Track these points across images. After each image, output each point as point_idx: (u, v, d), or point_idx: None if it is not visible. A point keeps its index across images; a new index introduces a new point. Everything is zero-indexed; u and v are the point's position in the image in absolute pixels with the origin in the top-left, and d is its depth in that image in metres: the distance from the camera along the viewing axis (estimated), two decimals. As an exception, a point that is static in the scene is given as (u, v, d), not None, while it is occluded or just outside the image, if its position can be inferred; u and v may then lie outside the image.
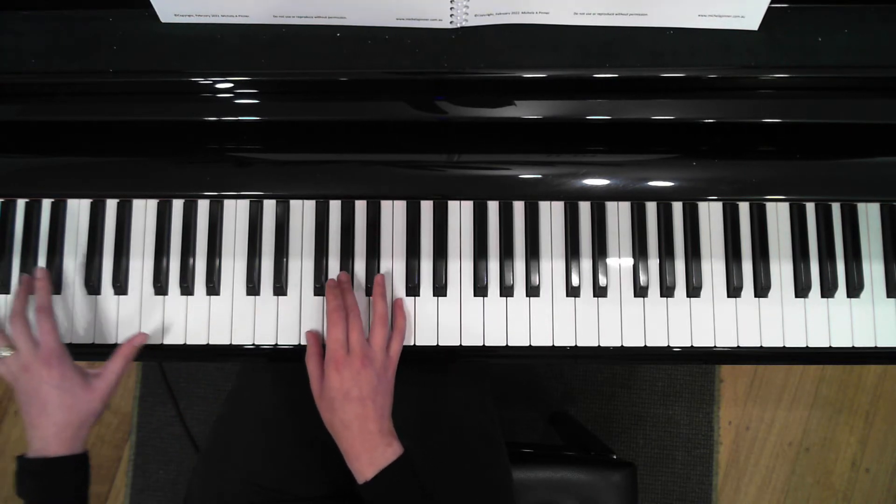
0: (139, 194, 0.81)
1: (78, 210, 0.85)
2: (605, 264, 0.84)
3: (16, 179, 0.72)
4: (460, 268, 0.84)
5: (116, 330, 0.84)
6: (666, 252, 0.84)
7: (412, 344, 0.83)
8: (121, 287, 0.84)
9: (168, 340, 0.84)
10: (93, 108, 0.68)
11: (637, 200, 0.84)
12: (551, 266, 0.84)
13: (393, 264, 0.84)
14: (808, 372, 1.66)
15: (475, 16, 0.63)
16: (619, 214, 0.85)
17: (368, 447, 0.72)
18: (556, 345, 0.83)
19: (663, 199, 0.81)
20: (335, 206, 0.85)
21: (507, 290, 0.83)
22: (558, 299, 0.84)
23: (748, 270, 0.84)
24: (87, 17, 0.66)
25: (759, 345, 0.83)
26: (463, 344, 0.83)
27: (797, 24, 0.65)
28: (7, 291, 0.84)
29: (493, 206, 0.85)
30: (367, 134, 0.71)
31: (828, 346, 0.83)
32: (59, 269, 0.84)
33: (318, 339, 0.81)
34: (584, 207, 0.85)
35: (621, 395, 1.63)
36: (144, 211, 0.85)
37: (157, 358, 1.01)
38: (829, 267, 0.84)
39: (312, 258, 0.84)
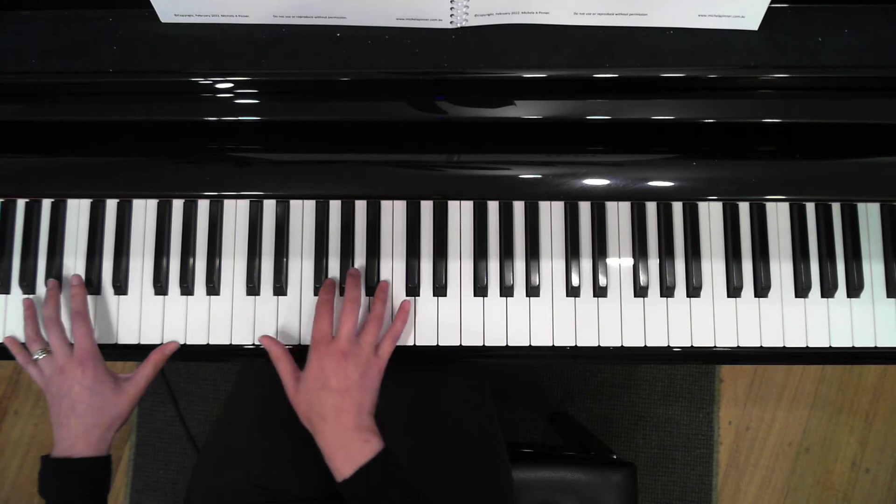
0: (139, 194, 0.81)
1: (78, 210, 0.85)
2: (605, 264, 0.84)
3: (16, 179, 0.72)
4: (460, 268, 0.84)
5: (116, 330, 0.84)
6: (666, 252, 0.84)
7: (412, 344, 0.83)
8: (121, 287, 0.84)
9: (168, 340, 0.84)
10: (93, 108, 0.68)
11: (637, 200, 0.84)
12: (551, 266, 0.84)
13: (393, 264, 0.84)
14: (808, 372, 1.66)
15: (475, 16, 0.63)
16: (619, 214, 0.85)
17: (344, 442, 0.70)
18: (556, 345, 0.83)
19: (663, 199, 0.81)
20: (335, 206, 0.85)
21: (507, 290, 0.83)
22: (558, 299, 0.84)
23: (748, 270, 0.84)
24: (87, 17, 0.66)
25: (759, 345, 0.83)
26: (463, 344, 0.83)
27: (797, 24, 0.65)
28: (7, 291, 0.84)
29: (493, 206, 0.85)
30: (367, 134, 0.71)
31: (828, 346, 0.83)
32: (58, 269, 0.84)
33: (276, 341, 0.80)
34: (584, 207, 0.85)
35: (621, 395, 1.63)
36: (144, 211, 0.85)
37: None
38: (829, 267, 0.84)
39: (312, 258, 0.84)
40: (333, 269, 0.84)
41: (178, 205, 0.85)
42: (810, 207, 0.85)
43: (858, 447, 1.64)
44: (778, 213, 0.85)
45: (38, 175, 0.72)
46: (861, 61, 0.64)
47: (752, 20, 0.64)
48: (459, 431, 0.89)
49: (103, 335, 0.84)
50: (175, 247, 0.85)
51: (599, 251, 0.84)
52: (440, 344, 0.83)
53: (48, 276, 0.84)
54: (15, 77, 0.65)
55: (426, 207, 0.85)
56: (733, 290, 0.84)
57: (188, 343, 0.84)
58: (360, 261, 0.84)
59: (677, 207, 0.85)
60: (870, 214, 0.85)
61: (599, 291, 0.83)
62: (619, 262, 0.84)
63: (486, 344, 0.83)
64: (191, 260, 0.84)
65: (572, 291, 0.84)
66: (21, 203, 0.85)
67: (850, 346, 0.83)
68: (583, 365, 1.62)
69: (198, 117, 0.68)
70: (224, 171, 0.71)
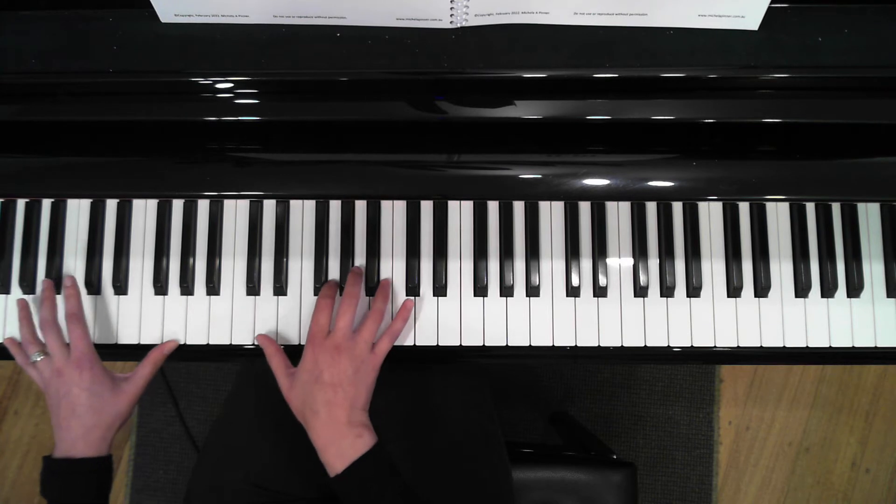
0: (139, 194, 0.81)
1: (78, 210, 0.85)
2: (605, 264, 0.84)
3: (16, 179, 0.72)
4: (460, 268, 0.84)
5: (116, 330, 0.84)
6: (666, 252, 0.84)
7: (412, 344, 0.83)
8: (121, 287, 0.84)
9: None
10: (93, 108, 0.68)
11: (637, 200, 0.84)
12: (551, 266, 0.84)
13: (393, 264, 0.84)
14: (808, 372, 1.66)
15: (475, 16, 0.63)
16: (619, 214, 0.85)
17: (336, 437, 0.70)
18: (556, 345, 0.83)
19: (663, 199, 0.81)
20: (335, 206, 0.85)
21: (507, 290, 0.83)
22: (558, 299, 0.84)
23: (748, 270, 0.84)
24: (87, 17, 0.66)
25: (759, 345, 0.83)
26: (463, 344, 0.83)
27: (797, 24, 0.64)
28: (7, 291, 0.84)
29: (493, 206, 0.85)
30: (367, 134, 0.71)
31: (828, 346, 0.83)
32: (59, 269, 0.84)
33: (271, 340, 0.80)
34: (584, 207, 0.85)
35: (621, 395, 1.63)
36: (144, 211, 0.85)
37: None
38: (829, 267, 0.84)
39: (312, 258, 0.84)
40: (333, 268, 0.84)
41: (178, 205, 0.85)
42: (810, 207, 0.85)
43: (858, 447, 1.64)
44: (778, 213, 0.85)
45: (38, 175, 0.72)
46: (861, 61, 0.64)
47: (752, 20, 0.64)
48: (459, 431, 0.89)
49: (103, 335, 0.84)
50: (175, 247, 0.85)
51: (599, 251, 0.84)
52: (440, 344, 0.83)
53: (48, 276, 0.84)
54: (15, 77, 0.65)
55: (426, 207, 0.85)
56: (733, 290, 0.84)
57: (188, 343, 0.84)
58: (360, 261, 0.84)
59: (677, 207, 0.85)
60: (870, 214, 0.85)
61: (599, 291, 0.83)
62: (619, 262, 0.84)
63: (486, 344, 0.83)
64: (191, 260, 0.84)
65: (572, 291, 0.84)
66: (21, 203, 0.85)
67: (850, 346, 0.83)
68: (583, 365, 1.62)
69: (198, 117, 0.68)
70: (224, 171, 0.71)
